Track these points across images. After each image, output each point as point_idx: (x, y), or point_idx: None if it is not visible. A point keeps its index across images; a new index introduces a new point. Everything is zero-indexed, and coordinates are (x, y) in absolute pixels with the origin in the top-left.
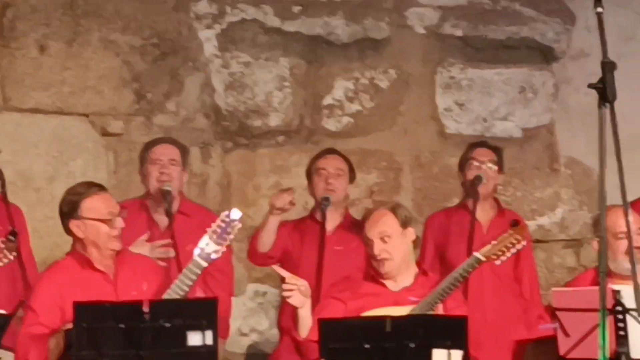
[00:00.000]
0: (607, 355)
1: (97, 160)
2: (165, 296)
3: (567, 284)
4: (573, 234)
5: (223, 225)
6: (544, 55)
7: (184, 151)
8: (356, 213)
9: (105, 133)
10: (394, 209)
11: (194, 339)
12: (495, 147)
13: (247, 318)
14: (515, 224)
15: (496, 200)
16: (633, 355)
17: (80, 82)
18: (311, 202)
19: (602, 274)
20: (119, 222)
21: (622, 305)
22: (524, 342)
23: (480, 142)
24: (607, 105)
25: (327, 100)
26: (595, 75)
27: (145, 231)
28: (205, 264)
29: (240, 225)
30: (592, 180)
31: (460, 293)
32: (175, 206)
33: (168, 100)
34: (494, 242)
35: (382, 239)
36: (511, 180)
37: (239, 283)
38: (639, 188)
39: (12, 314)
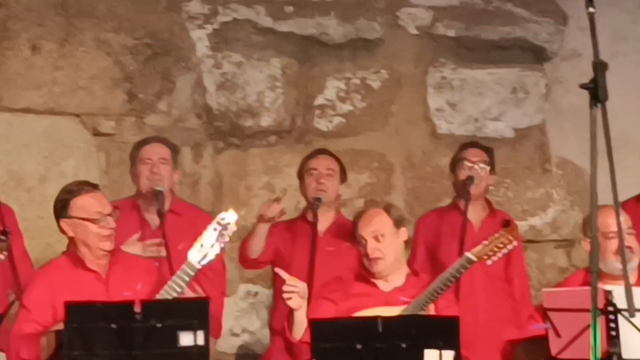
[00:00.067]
0: (599, 355)
1: (89, 160)
2: (158, 297)
3: (557, 285)
4: (565, 235)
5: (218, 227)
6: (536, 55)
7: (175, 150)
8: (348, 214)
9: (96, 133)
10: (388, 208)
11: (186, 339)
12: (487, 148)
13: (239, 318)
14: (507, 224)
15: (487, 200)
16: (624, 355)
17: (72, 82)
18: (303, 203)
19: (594, 274)
20: (110, 222)
21: (613, 305)
22: (514, 342)
23: (471, 143)
24: (599, 105)
25: (319, 101)
26: (587, 75)
27: (136, 230)
28: (199, 266)
29: (235, 229)
30: (584, 180)
31: (451, 293)
32: (166, 205)
33: (160, 100)
34: (485, 242)
35: (375, 237)
36: (503, 181)
37: (231, 283)
38: (630, 188)
39: (4, 313)
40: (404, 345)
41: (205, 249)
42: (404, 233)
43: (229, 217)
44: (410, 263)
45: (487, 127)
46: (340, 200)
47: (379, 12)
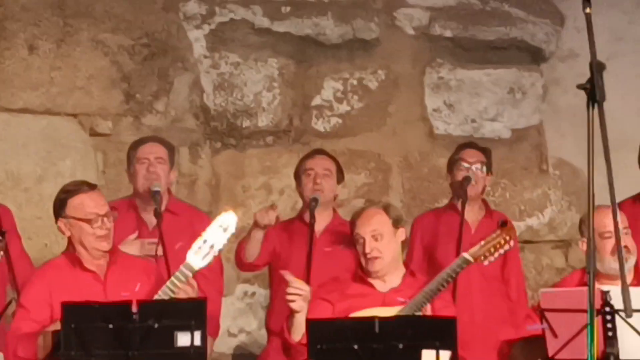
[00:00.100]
0: (596, 356)
1: (86, 160)
2: (156, 297)
3: (554, 285)
4: (562, 235)
5: (218, 229)
6: (533, 55)
7: (171, 150)
8: (345, 214)
9: (93, 133)
10: (387, 208)
11: (183, 339)
12: (484, 148)
13: (236, 318)
14: (504, 224)
15: (484, 201)
16: (622, 356)
17: (69, 82)
18: (300, 204)
19: (591, 274)
20: (106, 223)
21: (610, 306)
22: (511, 342)
23: (469, 143)
24: (596, 105)
25: (316, 101)
26: (585, 75)
27: (134, 230)
28: (197, 268)
29: (234, 231)
30: (581, 180)
31: (448, 294)
32: (163, 205)
33: (157, 101)
34: (482, 243)
35: (374, 237)
36: (500, 181)
37: (228, 283)
38: (627, 188)
39: (1, 313)
40: (400, 346)
41: (203, 250)
42: (402, 233)
43: (229, 218)
44: (406, 263)
45: (484, 127)
46: (338, 201)
47: (376, 13)
